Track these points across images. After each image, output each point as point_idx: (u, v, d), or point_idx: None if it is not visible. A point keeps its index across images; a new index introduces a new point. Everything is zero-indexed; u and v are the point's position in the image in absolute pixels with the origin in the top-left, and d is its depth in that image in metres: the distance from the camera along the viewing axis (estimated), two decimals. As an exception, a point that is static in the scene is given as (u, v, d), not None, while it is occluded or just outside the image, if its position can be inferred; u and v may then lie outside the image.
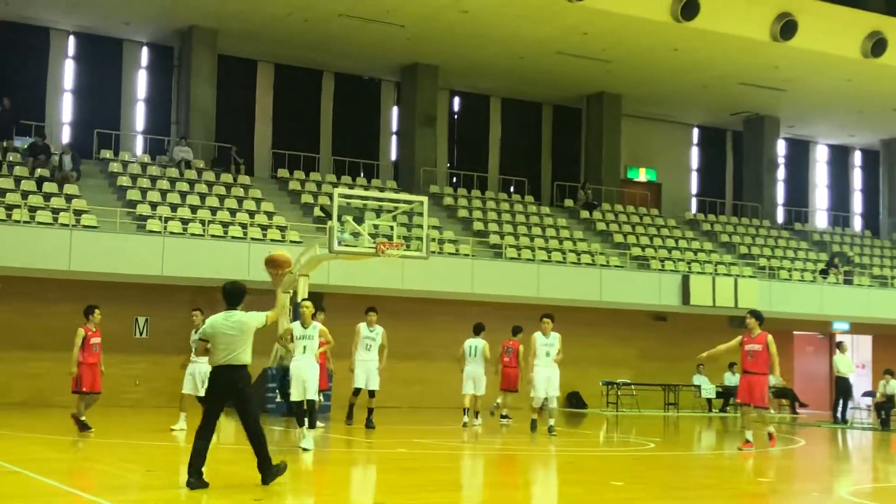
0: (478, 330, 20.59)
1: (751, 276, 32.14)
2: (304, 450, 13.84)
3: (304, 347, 14.41)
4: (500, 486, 11.64)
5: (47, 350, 23.84)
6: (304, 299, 15.22)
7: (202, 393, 16.25)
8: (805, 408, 31.16)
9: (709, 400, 30.11)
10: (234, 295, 10.23)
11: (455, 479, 12.33)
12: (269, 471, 10.07)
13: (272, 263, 10.70)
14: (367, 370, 18.23)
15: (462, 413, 19.98)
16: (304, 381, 14.27)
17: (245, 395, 10.02)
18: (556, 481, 12.61)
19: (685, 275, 30.72)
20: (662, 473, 13.49)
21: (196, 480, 9.75)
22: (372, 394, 18.30)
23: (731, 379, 30.12)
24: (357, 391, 18.38)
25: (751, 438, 16.04)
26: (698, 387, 30.18)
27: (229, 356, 9.94)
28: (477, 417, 20.11)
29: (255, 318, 10.13)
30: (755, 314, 16.47)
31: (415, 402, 27.64)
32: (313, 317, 17.06)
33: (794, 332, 34.39)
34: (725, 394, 30.20)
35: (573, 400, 29.76)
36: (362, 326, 18.40)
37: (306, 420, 14.32)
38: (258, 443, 10.03)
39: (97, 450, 11.54)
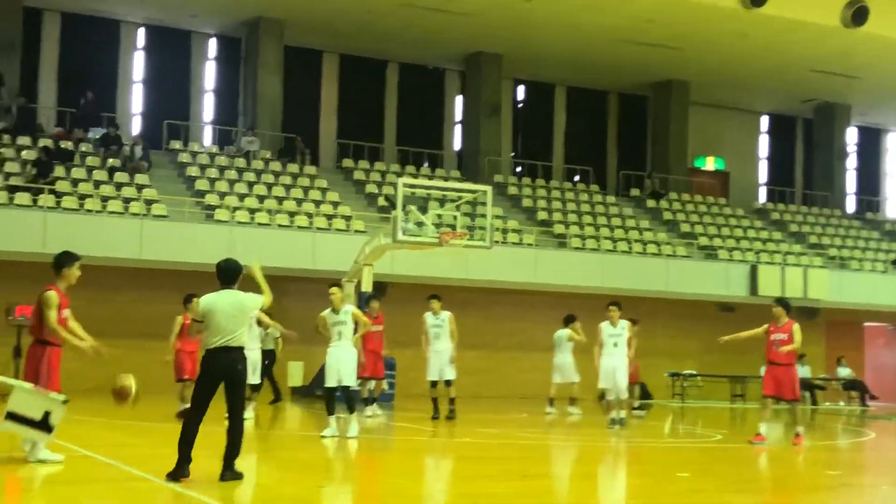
0: (568, 320, 21.09)
1: (820, 267, 31.64)
2: (350, 437, 13.83)
3: (340, 333, 14.23)
4: (564, 477, 11.62)
5: (118, 337, 24.11)
6: (332, 285, 14.99)
7: (256, 379, 16.49)
8: (875, 400, 30.63)
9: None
10: (228, 272, 9.71)
11: (519, 468, 12.34)
12: (232, 466, 9.44)
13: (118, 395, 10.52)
14: (439, 361, 17.98)
15: (548, 403, 20.75)
16: (340, 369, 14.16)
17: (241, 379, 9.51)
18: (622, 472, 12.55)
19: (753, 265, 30.34)
20: (729, 466, 13.37)
21: (181, 471, 9.30)
22: (448, 383, 17.99)
23: (800, 371, 29.66)
24: (433, 384, 18.07)
25: (763, 432, 15.37)
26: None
27: (228, 338, 9.43)
28: (574, 405, 20.87)
29: (252, 299, 9.67)
30: (782, 302, 15.97)
31: (478, 391, 27.66)
32: (367, 304, 17.29)
33: (865, 324, 33.81)
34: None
35: (639, 390, 29.54)
36: (427, 316, 18.28)
37: (337, 406, 14.23)
38: (237, 431, 9.46)
39: (168, 436, 11.72)
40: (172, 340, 16.15)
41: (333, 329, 14.30)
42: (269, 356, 19.88)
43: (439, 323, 18.08)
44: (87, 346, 10.40)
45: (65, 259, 10.86)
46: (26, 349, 10.82)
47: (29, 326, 10.84)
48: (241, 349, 9.54)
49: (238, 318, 9.51)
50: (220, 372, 9.42)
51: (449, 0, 27.65)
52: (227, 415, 9.52)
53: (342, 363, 14.13)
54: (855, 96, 35.79)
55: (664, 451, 15.18)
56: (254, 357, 16.50)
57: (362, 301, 21.15)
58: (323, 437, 13.90)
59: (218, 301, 9.55)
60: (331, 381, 14.19)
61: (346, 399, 14.27)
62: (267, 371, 19.71)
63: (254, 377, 16.51)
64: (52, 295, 10.70)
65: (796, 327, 15.37)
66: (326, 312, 14.47)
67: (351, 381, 14.26)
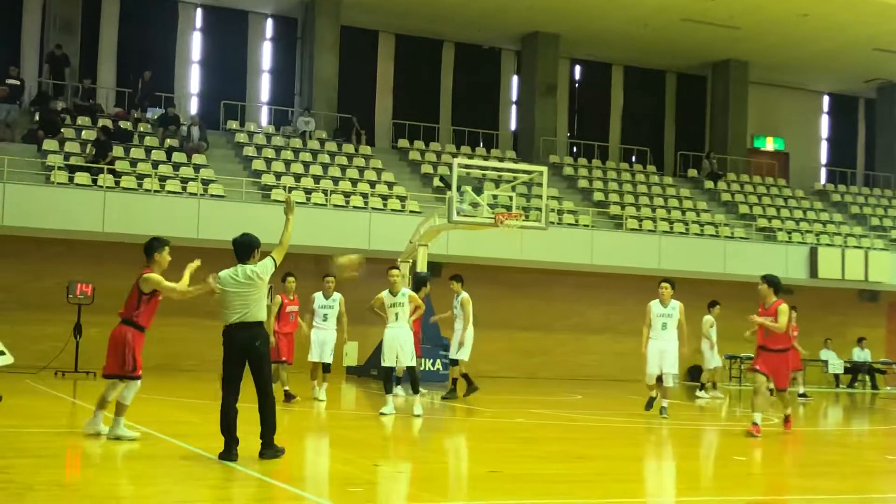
0: (711, 305, 21.86)
1: (882, 249, 31.11)
2: (416, 416, 14.11)
3: (397, 315, 14.41)
4: (616, 459, 11.55)
5: (176, 316, 24.49)
6: (392, 267, 15.13)
7: (328, 359, 16.55)
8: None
9: (836, 375, 29.33)
10: (245, 247, 9.67)
11: (571, 450, 12.29)
12: (271, 443, 9.38)
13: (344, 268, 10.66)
14: (455, 339, 17.63)
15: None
16: (398, 349, 14.28)
17: (262, 355, 9.39)
18: (677, 455, 12.46)
19: (813, 247, 29.92)
20: (785, 449, 13.20)
21: (229, 452, 9.27)
22: (454, 362, 17.74)
23: (860, 354, 29.30)
24: (454, 362, 17.81)
25: (759, 421, 13.49)
26: (825, 362, 29.40)
27: (244, 313, 9.37)
28: (703, 390, 21.22)
29: (263, 266, 9.56)
30: (767, 279, 13.95)
31: (533, 372, 27.65)
32: (420, 288, 17.23)
33: (928, 307, 33.19)
34: (854, 369, 29.38)
35: (694, 373, 29.30)
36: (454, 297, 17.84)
37: (397, 387, 14.53)
38: (268, 408, 9.36)
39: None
40: (272, 322, 15.73)
41: (391, 311, 14.46)
42: None
43: (456, 304, 17.73)
44: (208, 285, 10.35)
45: (155, 244, 10.98)
46: (112, 330, 10.96)
47: (121, 310, 11.08)
48: (258, 324, 9.43)
49: (250, 292, 9.42)
50: (239, 349, 9.36)
51: (505, -21, 27.50)
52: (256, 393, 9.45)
53: (400, 343, 14.29)
54: (919, 75, 35.09)
55: (721, 434, 15.03)
56: (322, 336, 16.61)
57: (416, 281, 21.18)
58: (382, 414, 14.03)
59: (231, 278, 9.52)
60: (388, 361, 14.36)
61: (411, 379, 14.49)
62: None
63: (327, 356, 16.64)
64: (152, 275, 10.89)
65: (782, 308, 13.58)
66: (384, 294, 14.59)
67: (410, 360, 14.40)
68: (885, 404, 23.77)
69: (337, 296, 16.86)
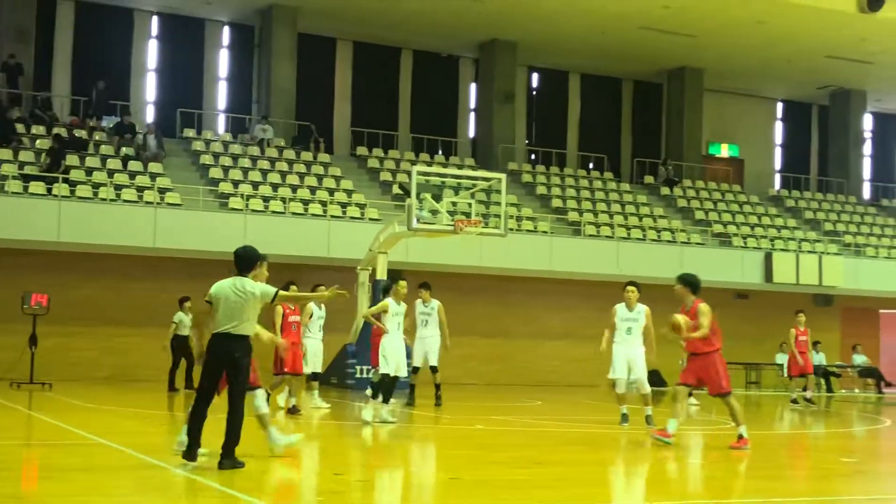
0: None
1: (836, 254, 31.52)
2: (386, 422, 14.27)
3: (399, 324, 14.72)
4: (577, 464, 11.61)
5: (133, 326, 24.38)
6: (400, 279, 15.23)
7: (318, 368, 16.77)
8: (891, 387, 30.51)
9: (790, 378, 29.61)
10: (246, 260, 9.68)
11: (531, 455, 12.33)
12: (231, 454, 9.36)
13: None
14: (423, 347, 17.62)
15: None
16: (400, 359, 14.59)
17: (241, 367, 9.45)
18: (636, 459, 12.53)
19: (768, 252, 30.25)
20: (743, 453, 13.31)
21: (191, 454, 9.40)
22: (434, 370, 17.84)
23: (815, 358, 29.59)
24: (416, 369, 17.76)
25: (671, 430, 12.61)
26: (781, 366, 29.69)
27: (232, 325, 9.42)
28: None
29: (263, 290, 9.56)
30: (683, 279, 13.23)
31: (493, 378, 27.69)
32: (384, 295, 17.29)
33: (881, 311, 33.63)
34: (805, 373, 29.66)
35: (653, 378, 29.43)
36: (417, 303, 17.67)
37: (381, 395, 14.50)
38: (236, 420, 9.40)
39: (182, 424, 11.79)
40: (276, 333, 15.13)
41: (394, 320, 14.68)
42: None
43: (428, 311, 17.63)
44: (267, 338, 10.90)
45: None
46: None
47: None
48: (244, 338, 9.50)
49: (243, 306, 9.46)
50: (220, 358, 9.46)
51: (462, -13, 27.59)
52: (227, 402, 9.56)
53: (400, 354, 14.65)
54: (871, 82, 35.60)
55: (678, 437, 15.15)
56: (314, 345, 16.66)
57: (378, 290, 21.19)
58: (385, 422, 14.29)
59: (225, 288, 9.56)
60: (392, 370, 14.50)
61: (387, 388, 14.59)
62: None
63: (316, 365, 16.77)
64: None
65: (702, 308, 12.83)
66: (389, 302, 14.76)
67: (405, 372, 14.90)
68: (840, 407, 24.06)
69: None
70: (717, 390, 12.72)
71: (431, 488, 9.63)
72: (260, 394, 10.37)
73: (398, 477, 10.27)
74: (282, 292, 9.84)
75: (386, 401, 14.55)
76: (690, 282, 13.03)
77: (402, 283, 14.98)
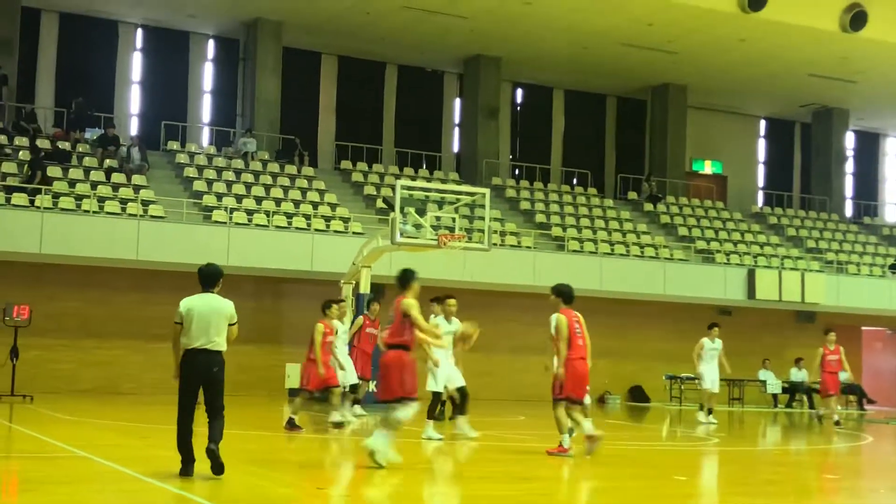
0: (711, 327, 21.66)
1: (818, 271, 31.66)
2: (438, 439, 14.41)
3: (448, 342, 14.95)
4: (561, 480, 11.59)
5: (116, 338, 24.27)
6: (449, 297, 15.90)
7: (354, 379, 17.20)
8: (873, 404, 30.65)
9: (774, 395, 29.74)
10: (210, 276, 9.91)
11: (515, 471, 12.31)
12: (215, 450, 9.51)
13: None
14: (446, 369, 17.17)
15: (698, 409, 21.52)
16: (449, 375, 14.98)
17: (219, 381, 9.67)
18: (618, 475, 12.53)
19: (751, 269, 30.36)
20: (726, 469, 13.35)
21: (188, 469, 9.60)
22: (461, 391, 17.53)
23: (798, 374, 29.73)
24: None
25: (592, 431, 12.83)
26: (764, 382, 29.81)
27: (207, 340, 9.61)
28: (710, 413, 21.02)
29: (230, 308, 9.83)
30: (555, 289, 13.20)
31: (476, 393, 27.53)
32: (369, 307, 17.51)
33: (863, 328, 33.81)
34: (791, 389, 29.82)
35: (636, 394, 29.56)
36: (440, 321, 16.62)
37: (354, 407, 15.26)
38: (218, 430, 9.62)
39: (164, 437, 11.73)
40: (317, 350, 15.43)
41: (445, 339, 14.59)
42: None
43: (453, 329, 17.11)
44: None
45: (410, 275, 12.22)
46: (386, 356, 11.44)
47: (386, 337, 11.79)
48: (218, 353, 9.68)
49: (215, 322, 9.67)
50: (197, 374, 9.61)
51: (448, 3, 27.67)
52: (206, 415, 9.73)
53: (451, 369, 15.09)
54: (853, 101, 35.85)
55: (661, 454, 15.17)
56: (343, 356, 16.83)
57: (361, 303, 21.17)
58: (429, 439, 14.43)
59: (197, 304, 9.72)
60: (438, 388, 14.94)
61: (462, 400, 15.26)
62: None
63: (352, 376, 17.08)
64: (413, 301, 11.89)
65: (553, 318, 12.86)
66: (440, 320, 15.30)
67: (460, 383, 15.30)
68: (822, 424, 24.11)
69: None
70: (579, 396, 12.86)
71: (418, 502, 9.60)
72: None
73: (382, 492, 10.24)
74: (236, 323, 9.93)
75: (430, 417, 14.63)
76: (563, 292, 13.10)
77: (452, 300, 15.57)
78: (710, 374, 21.19)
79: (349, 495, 9.78)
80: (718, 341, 21.29)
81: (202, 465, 9.54)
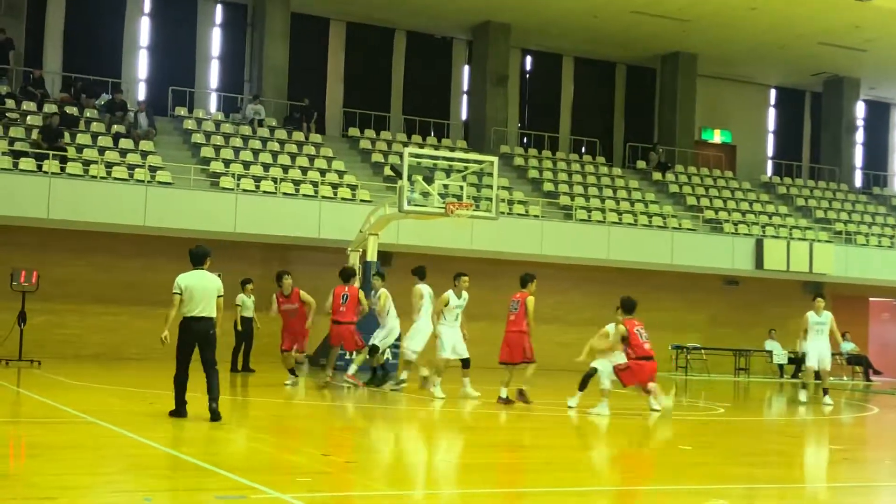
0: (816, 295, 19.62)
1: (826, 241, 31.58)
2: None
3: (457, 315, 16.50)
4: (563, 448, 11.62)
5: (122, 304, 24.35)
6: (462, 274, 16.72)
7: (462, 355, 17.12)
8: (879, 375, 30.65)
9: (780, 366, 29.75)
10: (199, 256, 11.80)
11: (518, 439, 12.35)
12: (216, 409, 11.46)
13: None
14: (453, 338, 16.83)
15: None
16: (457, 343, 16.48)
17: (213, 341, 11.61)
18: (623, 444, 12.56)
19: (759, 239, 30.29)
20: (731, 439, 13.37)
21: (180, 410, 11.57)
22: (466, 363, 17.36)
23: (804, 345, 29.67)
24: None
25: (504, 395, 15.75)
26: (770, 352, 29.81)
27: (204, 309, 11.53)
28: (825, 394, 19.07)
29: (218, 283, 11.73)
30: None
31: (481, 362, 27.61)
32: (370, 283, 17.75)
33: (870, 299, 33.77)
34: (797, 360, 29.79)
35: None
36: (450, 295, 16.69)
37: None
38: (215, 379, 11.60)
39: (170, 402, 11.80)
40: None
41: (454, 312, 16.39)
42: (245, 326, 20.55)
43: (462, 303, 16.85)
44: None
45: (528, 278, 15.87)
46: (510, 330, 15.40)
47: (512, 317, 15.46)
48: (211, 318, 11.63)
49: (210, 293, 11.62)
50: (196, 335, 11.52)
51: (457, -32, 27.47)
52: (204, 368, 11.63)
53: (456, 339, 16.51)
54: (864, 70, 35.60)
55: (667, 423, 15.18)
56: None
57: (369, 273, 21.18)
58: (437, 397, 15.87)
59: (193, 281, 11.61)
60: (446, 353, 16.34)
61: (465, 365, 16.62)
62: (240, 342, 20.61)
63: (460, 352, 16.78)
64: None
65: (610, 327, 15.38)
66: (450, 295, 16.33)
67: (464, 354, 16.72)
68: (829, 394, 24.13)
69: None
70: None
71: (419, 470, 9.64)
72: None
73: (386, 459, 10.28)
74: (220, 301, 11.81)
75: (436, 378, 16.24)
76: (624, 303, 15.00)
77: (465, 277, 16.61)
78: (814, 351, 18.96)
79: (354, 461, 9.82)
80: (826, 314, 18.95)
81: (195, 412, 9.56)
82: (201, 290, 11.54)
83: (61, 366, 20.19)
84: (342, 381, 17.41)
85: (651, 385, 14.71)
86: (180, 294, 11.50)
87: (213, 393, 11.54)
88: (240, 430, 11.77)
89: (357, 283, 18.00)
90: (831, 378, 30.10)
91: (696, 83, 35.18)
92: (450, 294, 16.37)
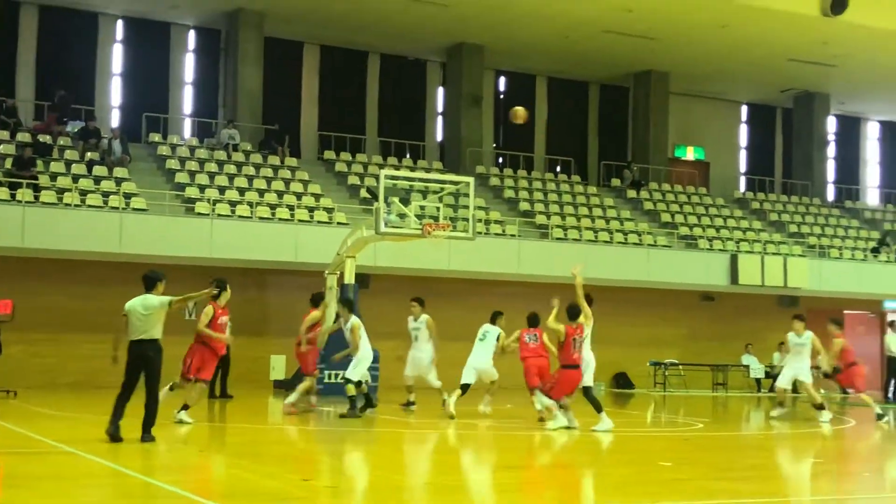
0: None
1: (800, 255, 31.79)
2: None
3: (415, 336, 17.92)
4: (547, 467, 11.64)
5: (99, 332, 24.11)
6: (414, 299, 18.03)
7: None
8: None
9: (758, 380, 29.89)
10: (149, 280, 12.08)
11: (501, 459, 12.36)
12: (149, 431, 11.76)
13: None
14: (415, 363, 18.38)
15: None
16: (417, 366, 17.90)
17: (153, 364, 11.81)
18: (604, 461, 12.59)
19: (733, 254, 30.47)
20: (711, 454, 13.43)
21: (114, 429, 11.67)
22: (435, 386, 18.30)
23: (781, 359, 29.87)
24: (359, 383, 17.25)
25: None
26: (747, 367, 29.95)
27: (142, 332, 11.78)
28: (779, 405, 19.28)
29: (159, 300, 11.88)
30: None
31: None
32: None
33: (845, 311, 33.93)
34: (774, 374, 29.96)
35: (620, 380, 29.67)
36: (409, 319, 18.40)
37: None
38: (153, 405, 11.81)
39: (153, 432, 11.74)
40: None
41: (412, 333, 17.90)
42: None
43: (418, 325, 18.15)
44: None
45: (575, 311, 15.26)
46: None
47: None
48: (153, 341, 11.84)
49: (149, 316, 11.80)
50: (137, 358, 11.80)
51: (429, -9, 27.61)
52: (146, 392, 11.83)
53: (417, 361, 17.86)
54: (834, 85, 35.95)
55: (646, 440, 15.24)
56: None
57: (344, 294, 21.19)
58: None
59: (134, 304, 11.92)
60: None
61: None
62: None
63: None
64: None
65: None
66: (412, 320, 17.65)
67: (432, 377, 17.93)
68: (804, 408, 24.26)
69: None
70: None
71: (404, 493, 9.63)
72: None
73: (368, 482, 10.26)
74: (174, 297, 11.89)
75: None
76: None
77: (413, 303, 17.95)
78: (788, 371, 19.11)
79: (335, 486, 9.79)
80: (807, 334, 18.74)
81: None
82: (137, 314, 11.81)
83: (38, 395, 20.03)
84: (288, 408, 17.01)
85: (566, 400, 14.88)
86: (126, 316, 11.89)
87: (147, 419, 11.75)
88: (219, 457, 11.73)
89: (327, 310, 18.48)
90: (800, 393, 30.36)
91: (668, 101, 35.43)
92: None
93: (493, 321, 18.11)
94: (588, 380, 15.12)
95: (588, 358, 15.16)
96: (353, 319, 17.08)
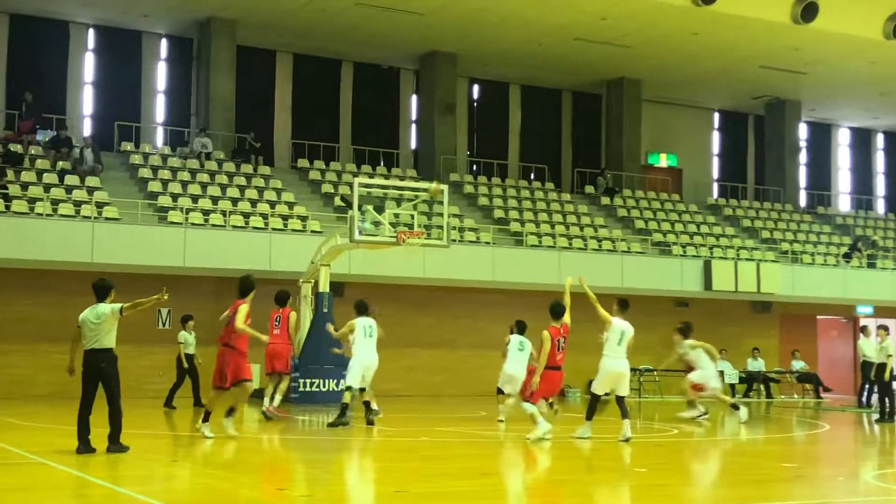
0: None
1: (773, 261, 31.98)
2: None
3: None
4: (516, 476, 11.63)
5: (69, 343, 23.97)
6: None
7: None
8: (829, 392, 31.02)
9: (732, 385, 29.99)
10: (99, 289, 12.15)
11: (477, 467, 12.34)
12: (116, 440, 11.74)
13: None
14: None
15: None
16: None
17: (108, 374, 11.78)
18: (580, 468, 12.59)
19: (707, 260, 30.60)
20: (686, 460, 13.45)
21: (84, 447, 11.56)
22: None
23: (754, 364, 30.06)
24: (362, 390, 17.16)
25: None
26: (721, 372, 30.00)
27: (94, 342, 11.78)
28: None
29: (110, 307, 11.89)
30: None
31: (437, 390, 27.67)
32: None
33: (818, 317, 34.20)
34: (749, 379, 30.11)
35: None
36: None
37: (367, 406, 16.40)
38: (116, 416, 11.73)
39: (122, 441, 11.64)
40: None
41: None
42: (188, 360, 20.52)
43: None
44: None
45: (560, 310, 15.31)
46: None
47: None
48: (107, 350, 11.81)
49: (101, 325, 11.79)
50: (90, 368, 11.80)
51: (402, -1, 27.63)
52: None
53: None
54: (805, 92, 36.22)
55: (621, 446, 15.25)
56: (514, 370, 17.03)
57: (321, 304, 21.14)
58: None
59: (86, 314, 11.93)
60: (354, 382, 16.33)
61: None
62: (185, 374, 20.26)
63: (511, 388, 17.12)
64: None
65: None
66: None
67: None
68: (779, 413, 24.40)
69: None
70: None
71: (377, 501, 9.59)
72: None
73: (343, 491, 10.21)
74: (124, 304, 11.86)
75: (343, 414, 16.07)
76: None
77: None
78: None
79: (310, 495, 9.75)
80: (687, 342, 20.64)
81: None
82: (88, 324, 11.81)
83: (10, 406, 19.85)
84: (271, 412, 17.20)
85: (552, 399, 15.23)
86: (80, 328, 11.90)
87: (112, 429, 11.66)
88: (195, 467, 11.65)
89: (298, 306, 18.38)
90: (782, 396, 30.54)
91: (641, 108, 35.59)
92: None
93: (522, 331, 17.68)
94: (624, 389, 15.22)
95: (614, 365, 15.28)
96: (353, 321, 17.04)
